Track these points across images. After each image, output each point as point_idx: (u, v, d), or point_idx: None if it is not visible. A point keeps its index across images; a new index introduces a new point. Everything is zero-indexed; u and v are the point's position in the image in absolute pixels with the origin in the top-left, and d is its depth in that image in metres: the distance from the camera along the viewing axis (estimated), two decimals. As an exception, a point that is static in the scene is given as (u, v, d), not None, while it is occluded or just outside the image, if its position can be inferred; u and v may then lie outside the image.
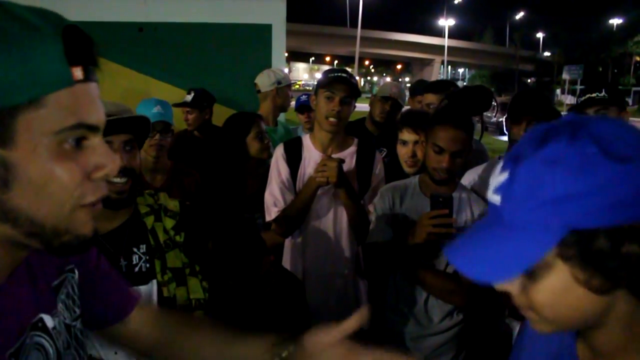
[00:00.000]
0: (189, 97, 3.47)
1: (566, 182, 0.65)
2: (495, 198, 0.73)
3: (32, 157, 0.65)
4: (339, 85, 2.33)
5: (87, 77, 0.68)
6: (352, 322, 0.95)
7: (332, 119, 2.33)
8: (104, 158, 0.71)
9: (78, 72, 0.66)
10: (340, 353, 0.94)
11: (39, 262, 0.84)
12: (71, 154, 0.68)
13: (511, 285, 0.75)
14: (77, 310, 0.93)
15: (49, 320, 0.83)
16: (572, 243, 0.67)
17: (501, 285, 0.75)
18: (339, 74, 2.38)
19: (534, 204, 0.68)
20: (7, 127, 0.63)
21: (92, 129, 0.69)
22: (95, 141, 0.70)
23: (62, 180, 0.67)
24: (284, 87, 3.51)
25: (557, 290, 0.71)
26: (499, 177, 0.73)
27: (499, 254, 0.70)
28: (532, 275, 0.71)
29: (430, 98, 3.36)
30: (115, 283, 1.08)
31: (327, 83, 2.35)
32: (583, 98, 2.60)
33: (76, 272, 0.95)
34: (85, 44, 0.68)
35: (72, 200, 0.69)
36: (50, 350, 0.81)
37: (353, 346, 0.95)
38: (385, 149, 3.09)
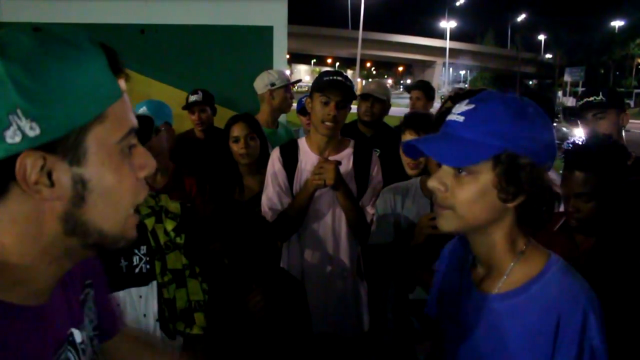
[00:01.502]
0: (196, 97, 3.47)
1: (513, 120, 1.01)
2: (459, 117, 1.05)
3: (103, 170, 0.69)
4: (334, 89, 2.31)
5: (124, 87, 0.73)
6: None
7: (328, 123, 2.33)
8: (145, 157, 0.76)
9: (122, 83, 0.71)
10: None
11: (69, 276, 0.85)
12: (127, 161, 0.72)
13: (442, 185, 1.06)
14: (95, 324, 0.95)
15: (77, 335, 0.84)
16: (503, 159, 1.00)
17: (433, 184, 1.06)
18: (334, 77, 2.35)
19: (488, 128, 1.01)
20: (79, 145, 0.66)
21: (137, 132, 0.74)
22: (135, 142, 0.75)
23: (124, 187, 0.71)
24: (279, 88, 3.47)
25: (478, 191, 1.03)
26: (464, 107, 1.05)
27: (456, 151, 1.02)
28: (466, 173, 1.03)
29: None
30: (109, 299, 1.09)
31: (323, 87, 2.33)
32: (581, 102, 2.60)
33: (93, 287, 0.97)
34: (116, 56, 0.71)
35: (133, 204, 0.74)
36: None
37: None
38: (378, 150, 3.09)
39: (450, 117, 1.07)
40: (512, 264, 1.09)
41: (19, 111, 0.61)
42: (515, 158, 1.00)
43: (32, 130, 0.62)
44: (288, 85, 3.53)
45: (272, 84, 3.46)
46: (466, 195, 1.03)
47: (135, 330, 1.35)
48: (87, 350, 0.87)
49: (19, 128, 0.62)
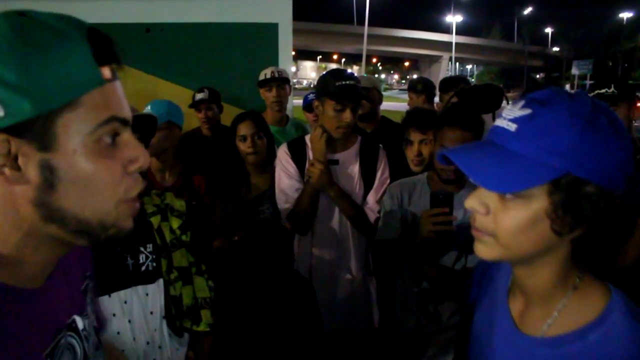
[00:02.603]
0: (202, 95, 3.46)
1: (581, 135, 0.78)
2: (511, 125, 0.83)
3: (74, 158, 0.67)
4: (348, 95, 2.26)
5: (114, 76, 0.71)
6: None
7: (344, 129, 2.31)
8: (136, 151, 0.73)
9: (107, 72, 0.70)
10: None
11: (69, 265, 0.86)
12: (108, 151, 0.70)
13: (482, 207, 0.86)
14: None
15: (79, 322, 0.85)
16: (564, 184, 0.79)
17: (472, 205, 0.87)
18: (347, 82, 2.26)
19: (547, 143, 0.79)
20: (47, 131, 0.65)
21: (124, 122, 0.72)
22: (127, 136, 0.73)
23: (103, 177, 0.70)
24: (264, 82, 3.44)
25: (526, 220, 0.83)
26: (518, 111, 0.83)
27: (503, 171, 0.81)
28: (514, 196, 0.82)
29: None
30: (97, 301, 1.09)
31: (336, 95, 2.26)
32: (592, 94, 2.59)
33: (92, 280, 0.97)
34: (108, 45, 0.70)
35: (118, 196, 0.72)
36: (79, 352, 0.83)
37: None
38: (380, 145, 3.08)
39: (499, 123, 0.86)
40: (563, 300, 0.89)
41: None
42: (579, 184, 0.79)
43: None
44: (277, 78, 3.45)
45: (260, 82, 3.46)
46: (512, 223, 0.83)
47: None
48: (90, 338, 0.87)
49: None
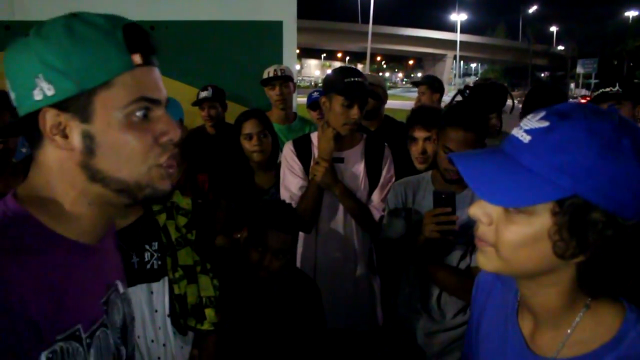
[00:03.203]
0: (206, 93, 3.45)
1: (597, 157, 0.73)
2: (525, 136, 0.79)
3: (108, 129, 0.82)
4: (357, 92, 2.26)
5: (147, 62, 0.85)
6: None
7: (351, 126, 2.31)
8: (167, 125, 0.87)
9: (137, 58, 0.83)
10: None
11: (114, 241, 1.03)
12: (139, 125, 0.84)
13: (485, 217, 0.83)
14: None
15: (120, 286, 1.01)
16: (570, 205, 0.74)
17: (476, 213, 0.84)
18: (355, 79, 2.28)
19: (558, 160, 0.74)
20: (87, 106, 0.81)
21: (154, 102, 0.86)
22: (159, 113, 0.87)
23: (133, 145, 0.83)
24: (268, 80, 3.44)
25: (528, 236, 0.79)
26: (536, 122, 0.79)
27: (507, 184, 0.77)
28: (518, 212, 0.79)
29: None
30: None
31: (345, 90, 2.27)
32: (597, 93, 2.58)
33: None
34: (143, 36, 0.85)
35: (149, 161, 0.85)
36: (121, 312, 1.00)
37: None
38: (385, 144, 3.07)
39: (515, 132, 0.82)
40: (576, 320, 0.85)
41: (40, 75, 0.79)
42: (586, 208, 0.74)
43: (49, 90, 0.79)
44: (277, 76, 3.43)
45: (263, 81, 3.46)
46: (513, 237, 0.80)
47: None
48: (128, 302, 1.04)
49: (41, 88, 0.79)
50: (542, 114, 0.80)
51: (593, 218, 0.74)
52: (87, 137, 0.82)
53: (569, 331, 0.85)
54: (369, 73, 3.49)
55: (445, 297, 2.08)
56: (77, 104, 0.81)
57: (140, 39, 0.85)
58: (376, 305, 2.51)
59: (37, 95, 0.80)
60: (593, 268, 0.78)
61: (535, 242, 0.79)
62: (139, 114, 0.84)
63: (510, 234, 0.80)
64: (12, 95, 0.84)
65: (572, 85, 45.35)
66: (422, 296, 2.11)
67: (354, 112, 2.27)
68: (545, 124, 0.77)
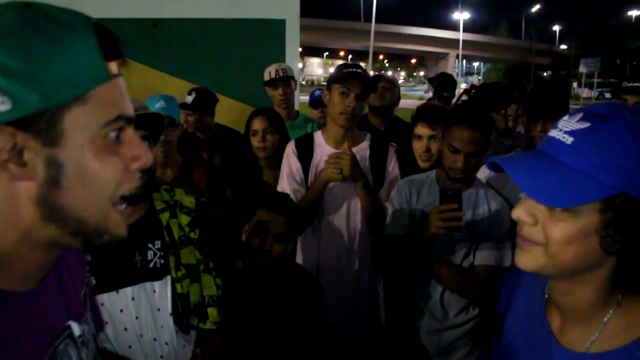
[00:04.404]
0: (189, 98, 3.31)
1: (639, 153, 0.75)
2: (567, 138, 0.80)
3: (81, 154, 0.66)
4: (354, 80, 2.29)
5: (119, 72, 0.70)
6: None
7: (347, 115, 2.31)
8: (140, 150, 0.72)
9: (113, 67, 0.68)
10: None
11: (67, 269, 0.84)
12: (113, 148, 0.69)
13: (530, 217, 0.84)
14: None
15: (75, 328, 0.82)
16: (618, 203, 0.76)
17: (520, 215, 0.85)
18: (354, 70, 2.34)
19: (604, 159, 0.76)
20: (55, 126, 0.64)
21: (129, 120, 0.71)
22: (130, 133, 0.72)
23: (107, 175, 0.68)
24: (268, 81, 3.43)
25: (576, 233, 0.80)
26: (575, 124, 0.81)
27: (555, 185, 0.79)
28: (564, 211, 0.80)
29: None
30: (94, 297, 1.06)
31: (342, 78, 2.31)
32: (625, 85, 2.60)
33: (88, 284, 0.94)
34: (114, 40, 0.69)
35: (115, 194, 0.70)
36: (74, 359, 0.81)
37: None
38: (394, 144, 3.07)
39: (554, 134, 0.83)
40: (607, 316, 0.87)
41: None
42: (633, 206, 0.76)
43: (3, 104, 0.60)
44: (280, 78, 3.40)
45: (264, 81, 3.44)
46: (562, 233, 0.81)
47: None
48: (89, 344, 0.85)
49: None
50: (580, 115, 0.82)
51: (638, 214, 0.77)
52: (53, 165, 0.64)
53: (601, 326, 0.87)
54: (383, 74, 3.53)
55: (449, 295, 2.09)
56: (41, 122, 0.63)
57: (114, 43, 0.69)
58: (379, 303, 2.51)
59: None
60: (634, 262, 0.82)
61: (584, 238, 0.80)
62: (112, 135, 0.68)
63: (560, 230, 0.81)
64: None
65: (575, 84, 45.22)
66: (424, 294, 2.11)
67: (350, 100, 2.29)
68: (586, 124, 0.79)
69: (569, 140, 0.80)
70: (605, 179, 0.76)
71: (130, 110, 0.71)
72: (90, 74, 0.65)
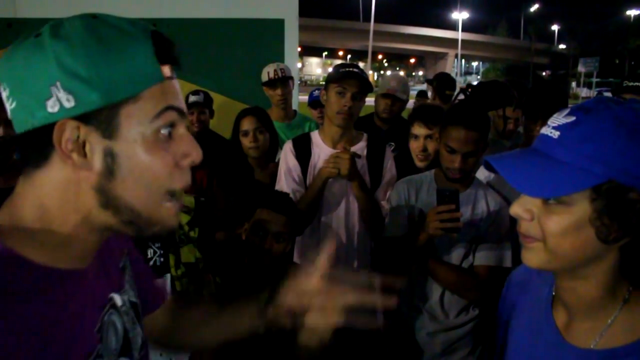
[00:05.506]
0: (197, 97, 3.39)
1: (626, 142, 0.77)
2: (554, 133, 0.84)
3: (134, 147, 0.73)
4: (350, 80, 2.30)
5: (173, 75, 0.78)
6: (323, 262, 1.06)
7: (343, 115, 2.32)
8: (190, 146, 0.78)
9: (167, 70, 0.76)
10: (321, 289, 1.04)
11: (106, 243, 0.89)
12: (165, 144, 0.75)
13: (526, 213, 0.86)
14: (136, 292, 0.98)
15: (117, 299, 0.89)
16: (606, 190, 0.79)
17: (517, 211, 0.87)
18: (351, 69, 2.34)
19: (589, 149, 0.79)
20: (112, 121, 0.71)
21: (181, 113, 0.77)
22: (182, 131, 0.78)
23: (155, 169, 0.74)
24: (267, 82, 3.44)
25: (571, 225, 0.82)
26: (562, 119, 0.84)
27: (542, 177, 0.82)
28: (555, 201, 0.82)
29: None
30: (150, 276, 1.14)
31: (339, 78, 2.32)
32: (626, 85, 2.60)
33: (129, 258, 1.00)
34: (171, 46, 0.77)
35: (166, 188, 0.76)
36: (119, 327, 0.88)
37: (333, 280, 1.04)
38: (393, 143, 3.07)
39: (544, 131, 0.87)
40: (615, 313, 0.88)
41: (58, 84, 0.68)
42: (622, 191, 0.78)
43: (68, 102, 0.69)
44: (278, 78, 3.41)
45: (263, 81, 3.45)
46: (557, 226, 0.83)
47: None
48: (129, 313, 0.91)
49: (58, 99, 0.69)
50: (567, 111, 0.85)
51: (630, 199, 0.78)
52: (109, 156, 0.72)
53: (609, 322, 0.88)
54: (397, 75, 3.51)
55: (449, 296, 2.08)
56: (100, 117, 0.71)
57: (169, 48, 0.77)
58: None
59: (52, 107, 0.69)
60: (635, 250, 0.82)
61: (579, 229, 0.82)
62: (164, 131, 0.75)
63: (554, 223, 0.83)
64: (10, 106, 0.72)
65: (574, 84, 45.30)
66: (424, 295, 2.11)
67: (346, 99, 2.30)
68: (572, 118, 0.83)
69: (555, 134, 0.83)
70: (591, 167, 0.79)
71: (181, 105, 0.78)
72: (146, 76, 0.73)
